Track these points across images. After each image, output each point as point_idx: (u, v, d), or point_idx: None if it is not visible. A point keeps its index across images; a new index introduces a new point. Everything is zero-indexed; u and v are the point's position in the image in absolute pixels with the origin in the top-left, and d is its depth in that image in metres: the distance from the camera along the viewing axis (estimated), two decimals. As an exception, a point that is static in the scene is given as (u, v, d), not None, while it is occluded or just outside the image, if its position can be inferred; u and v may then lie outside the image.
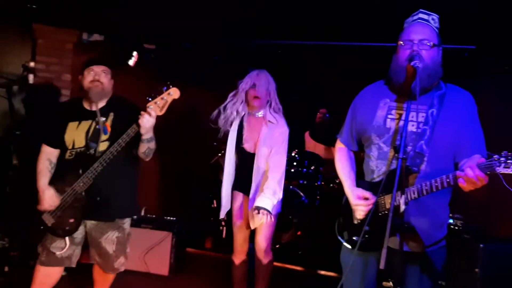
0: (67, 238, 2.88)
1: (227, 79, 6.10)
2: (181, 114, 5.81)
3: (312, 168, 5.21)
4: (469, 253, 3.22)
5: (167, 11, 4.33)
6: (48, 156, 2.97)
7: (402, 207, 1.93)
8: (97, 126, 2.88)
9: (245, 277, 3.57)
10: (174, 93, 2.74)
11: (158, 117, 2.75)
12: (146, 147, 2.87)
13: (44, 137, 3.01)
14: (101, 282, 3.15)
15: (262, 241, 3.41)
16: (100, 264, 3.04)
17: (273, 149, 3.34)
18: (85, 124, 2.92)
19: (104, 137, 2.88)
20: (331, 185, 5.43)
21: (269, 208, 3.12)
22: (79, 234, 2.94)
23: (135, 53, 5.37)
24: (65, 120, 2.95)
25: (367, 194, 2.16)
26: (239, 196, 3.50)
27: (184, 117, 5.71)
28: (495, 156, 1.78)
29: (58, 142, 2.95)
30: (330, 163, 5.78)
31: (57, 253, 2.90)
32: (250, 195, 3.36)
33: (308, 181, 5.20)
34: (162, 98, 2.72)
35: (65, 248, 2.89)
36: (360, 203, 2.17)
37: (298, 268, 4.73)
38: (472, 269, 3.20)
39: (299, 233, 5.11)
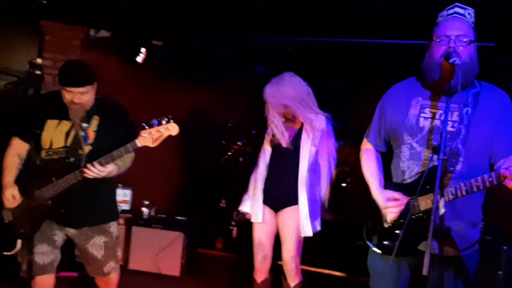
0: (19, 240, 2.69)
1: (235, 77, 6.07)
2: (190, 112, 5.76)
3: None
4: (492, 255, 3.13)
5: (174, 7, 4.25)
6: (17, 151, 2.76)
7: (442, 210, 1.85)
8: (78, 133, 2.67)
9: None
10: (172, 129, 2.53)
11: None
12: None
13: (16, 130, 2.78)
14: (105, 287, 3.00)
15: (290, 261, 3.09)
16: (89, 269, 2.88)
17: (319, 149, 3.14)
18: (66, 125, 2.70)
19: (89, 141, 2.70)
20: (344, 184, 5.36)
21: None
22: (59, 238, 2.78)
23: (143, 50, 5.29)
24: (43, 115, 2.72)
25: (397, 194, 2.08)
26: (265, 208, 3.20)
27: (192, 115, 5.64)
28: None
29: (30, 136, 2.72)
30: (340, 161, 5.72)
31: (38, 260, 2.70)
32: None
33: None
34: (158, 131, 2.52)
35: (16, 251, 2.70)
36: (390, 204, 2.08)
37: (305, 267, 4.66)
38: (495, 271, 3.13)
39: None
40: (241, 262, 4.74)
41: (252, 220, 3.19)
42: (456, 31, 2.01)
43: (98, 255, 2.80)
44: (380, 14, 4.01)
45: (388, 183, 2.21)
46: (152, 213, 4.61)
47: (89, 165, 2.54)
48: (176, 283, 4.23)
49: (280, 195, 3.12)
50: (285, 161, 3.13)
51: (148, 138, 2.52)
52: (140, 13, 4.44)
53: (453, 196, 1.91)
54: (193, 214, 4.85)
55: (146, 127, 2.52)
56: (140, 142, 2.53)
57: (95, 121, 2.74)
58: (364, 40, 5.07)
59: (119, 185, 3.15)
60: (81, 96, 2.60)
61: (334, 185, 5.27)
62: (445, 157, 1.81)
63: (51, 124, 2.71)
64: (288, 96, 3.06)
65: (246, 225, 5.32)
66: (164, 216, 4.62)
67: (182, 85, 5.71)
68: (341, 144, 5.60)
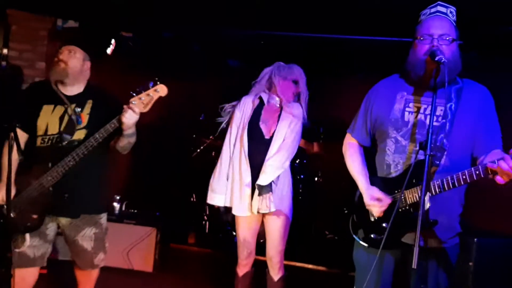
0: (27, 235, 2.66)
1: (207, 70, 6.02)
2: (160, 106, 5.66)
3: (296, 161, 5.17)
4: (463, 247, 3.24)
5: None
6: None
7: (428, 204, 1.90)
8: (71, 116, 2.68)
9: None
10: (161, 90, 2.55)
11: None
12: (126, 142, 2.71)
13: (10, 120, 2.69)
14: (84, 281, 2.97)
15: (275, 255, 3.10)
16: (78, 262, 2.87)
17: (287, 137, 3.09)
18: (60, 109, 2.71)
19: (79, 126, 2.69)
20: (316, 178, 5.42)
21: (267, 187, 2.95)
22: (51, 231, 2.75)
23: (113, 41, 5.16)
24: (39, 102, 2.72)
25: (381, 195, 2.12)
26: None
27: (163, 109, 5.54)
28: None
29: (30, 125, 2.69)
30: (313, 157, 5.78)
31: (29, 252, 2.68)
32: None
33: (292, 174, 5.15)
34: (148, 95, 2.52)
35: (27, 245, 2.66)
36: (374, 203, 2.12)
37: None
38: (466, 263, 3.24)
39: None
40: (214, 257, 4.74)
41: (238, 214, 3.08)
42: (439, 30, 2.07)
43: (88, 246, 2.80)
44: (355, 10, 4.05)
45: (374, 177, 2.25)
46: (123, 208, 4.52)
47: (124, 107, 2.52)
48: (149, 279, 4.16)
49: None
50: (263, 151, 3.07)
51: (139, 103, 2.52)
52: (109, 3, 4.33)
53: (439, 190, 1.96)
54: (165, 209, 4.79)
55: (134, 94, 2.52)
56: (132, 107, 2.52)
57: (88, 105, 2.74)
58: (337, 36, 5.13)
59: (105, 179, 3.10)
60: (67, 55, 2.68)
61: (307, 179, 5.36)
62: (433, 153, 1.86)
63: (47, 109, 2.70)
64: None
65: (218, 219, 5.35)
66: (135, 211, 4.53)
67: (152, 78, 5.62)
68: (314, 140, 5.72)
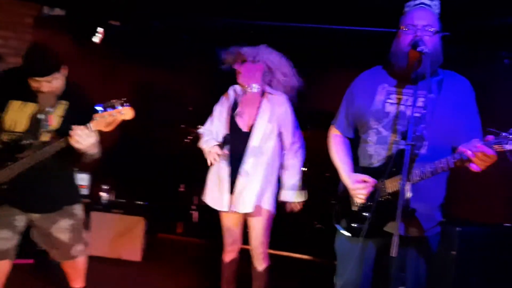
0: None
1: (196, 60, 5.98)
2: (149, 95, 5.65)
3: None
4: (445, 236, 3.28)
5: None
6: None
7: (409, 194, 1.93)
8: (41, 116, 2.55)
9: (234, 276, 3.26)
10: (126, 113, 2.40)
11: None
12: (86, 158, 2.59)
13: None
14: (72, 273, 2.90)
15: (258, 246, 3.12)
16: (55, 254, 2.79)
17: (283, 129, 3.09)
18: (30, 107, 2.55)
19: (46, 129, 2.56)
20: (304, 168, 5.43)
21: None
22: (19, 222, 2.66)
23: (100, 30, 5.12)
24: (6, 95, 2.56)
25: (365, 177, 2.15)
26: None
27: (152, 98, 5.54)
28: (503, 134, 1.79)
29: None
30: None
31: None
32: (238, 186, 3.01)
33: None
34: (111, 115, 2.38)
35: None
36: (358, 186, 2.15)
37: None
38: (448, 251, 3.29)
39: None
40: (202, 246, 4.77)
41: (218, 208, 3.12)
42: (423, 21, 2.09)
43: (64, 238, 2.71)
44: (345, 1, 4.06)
45: (356, 167, 2.27)
46: (112, 198, 4.52)
47: (75, 127, 2.36)
48: (137, 268, 4.18)
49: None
50: (242, 144, 3.04)
51: (101, 121, 2.39)
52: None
53: (418, 178, 1.99)
54: (153, 199, 4.80)
55: (100, 110, 2.39)
56: (93, 125, 2.40)
57: (62, 106, 2.61)
58: (326, 26, 5.12)
59: (75, 169, 3.08)
60: (49, 84, 2.49)
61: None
62: (413, 143, 1.88)
63: (15, 105, 2.57)
64: (264, 55, 3.10)
65: (206, 209, 5.35)
66: (123, 200, 4.54)
67: (141, 67, 5.59)
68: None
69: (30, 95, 2.55)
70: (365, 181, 2.14)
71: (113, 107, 2.39)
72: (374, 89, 2.23)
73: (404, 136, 1.92)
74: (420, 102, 2.10)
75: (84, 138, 2.37)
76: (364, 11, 4.25)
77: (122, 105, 2.40)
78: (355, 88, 2.34)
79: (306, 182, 5.48)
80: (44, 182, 2.61)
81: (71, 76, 2.66)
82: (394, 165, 2.03)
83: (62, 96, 2.60)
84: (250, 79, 3.06)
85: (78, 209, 2.79)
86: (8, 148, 2.56)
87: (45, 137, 2.56)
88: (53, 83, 2.50)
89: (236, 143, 3.04)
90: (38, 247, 2.87)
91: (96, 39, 5.10)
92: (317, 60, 5.85)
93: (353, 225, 2.19)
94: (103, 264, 4.11)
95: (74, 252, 2.78)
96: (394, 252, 1.77)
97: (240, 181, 3.00)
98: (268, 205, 3.08)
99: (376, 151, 2.19)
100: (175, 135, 5.62)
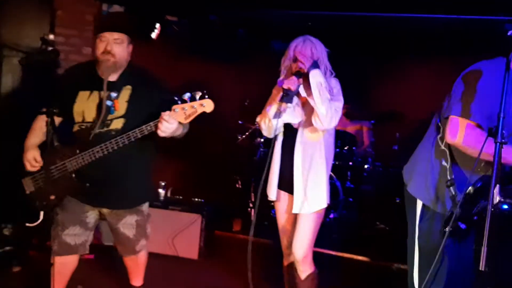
0: (41, 212, 2.59)
1: (252, 54, 5.87)
2: (205, 90, 5.58)
3: (345, 148, 4.97)
4: None
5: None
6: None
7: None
8: (107, 103, 2.53)
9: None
10: (207, 105, 2.33)
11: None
12: (174, 138, 2.57)
13: (50, 105, 2.55)
14: (133, 266, 2.95)
15: (299, 249, 2.79)
16: (120, 249, 2.84)
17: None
18: (96, 95, 2.56)
19: (116, 114, 2.53)
20: (366, 166, 5.19)
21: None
22: (91, 219, 2.71)
23: (157, 25, 5.10)
24: (76, 88, 2.59)
25: None
26: (282, 194, 2.95)
27: (208, 94, 5.47)
28: None
29: (64, 111, 2.59)
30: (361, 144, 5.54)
31: (69, 240, 2.64)
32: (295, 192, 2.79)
33: (341, 161, 4.96)
34: (192, 107, 2.31)
35: (38, 222, 2.61)
36: None
37: (331, 252, 4.54)
38: None
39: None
40: (260, 244, 4.62)
41: (269, 197, 2.98)
42: None
43: (129, 234, 2.75)
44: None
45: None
46: (168, 195, 4.48)
47: (163, 115, 2.32)
48: (194, 266, 4.12)
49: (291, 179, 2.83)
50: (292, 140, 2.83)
51: (181, 113, 2.32)
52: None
53: None
54: (210, 196, 4.73)
55: (179, 101, 2.32)
56: (172, 117, 2.33)
57: (127, 91, 2.57)
58: (386, 15, 4.86)
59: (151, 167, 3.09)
60: (114, 45, 2.48)
61: (356, 167, 5.14)
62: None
63: (83, 96, 2.58)
64: (318, 50, 2.75)
65: (264, 206, 5.22)
66: (180, 197, 4.49)
67: (197, 62, 5.55)
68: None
69: (97, 84, 2.55)
70: None
71: (194, 99, 2.32)
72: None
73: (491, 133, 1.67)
74: None
75: (168, 127, 2.34)
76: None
77: (203, 96, 2.34)
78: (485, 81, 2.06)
79: (368, 180, 5.29)
80: (118, 176, 2.61)
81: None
82: None
83: (126, 80, 2.58)
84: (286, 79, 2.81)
85: (145, 206, 2.84)
86: (81, 139, 2.56)
87: (116, 124, 2.54)
88: (118, 46, 2.49)
89: (289, 139, 2.87)
90: (100, 243, 2.89)
91: (153, 34, 5.08)
92: (379, 51, 5.58)
93: None
94: (160, 261, 4.07)
95: (139, 247, 2.82)
96: (482, 266, 1.54)
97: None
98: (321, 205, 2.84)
99: None
100: (232, 131, 5.53)
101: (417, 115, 5.22)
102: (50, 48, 4.21)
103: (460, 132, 2.06)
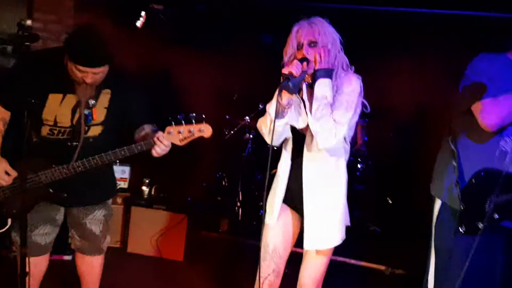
0: (9, 219, 2.39)
1: (240, 46, 5.64)
2: (191, 83, 5.36)
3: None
4: None
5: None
6: (1, 114, 2.30)
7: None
8: (84, 111, 2.31)
9: None
10: (206, 131, 2.24)
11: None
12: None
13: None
14: (91, 273, 2.72)
15: (308, 283, 2.33)
16: (84, 247, 2.64)
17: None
18: (72, 100, 2.29)
19: (94, 121, 2.34)
20: (359, 165, 5.04)
21: None
22: (61, 215, 2.55)
23: (143, 13, 4.86)
24: (44, 88, 2.27)
25: None
26: (284, 209, 2.37)
27: (194, 87, 5.25)
28: None
29: (14, 104, 2.27)
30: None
31: (39, 240, 2.49)
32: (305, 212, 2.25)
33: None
34: (189, 131, 2.22)
35: (4, 229, 2.40)
36: None
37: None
38: None
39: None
40: (248, 246, 4.43)
41: (266, 219, 2.37)
42: None
43: (96, 230, 2.59)
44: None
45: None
46: (152, 193, 4.25)
47: (158, 136, 2.22)
48: (179, 268, 3.90)
49: (298, 196, 2.30)
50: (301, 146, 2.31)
51: (175, 136, 2.23)
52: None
53: None
54: (196, 194, 4.52)
55: (173, 122, 2.22)
56: (166, 138, 2.24)
57: (106, 96, 2.36)
58: (382, 8, 4.73)
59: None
60: (95, 76, 2.20)
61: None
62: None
63: (54, 99, 2.29)
64: (329, 36, 2.22)
65: (251, 205, 5.04)
66: (165, 195, 4.26)
67: (183, 53, 5.30)
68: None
69: (69, 86, 2.27)
70: None
71: (189, 121, 2.21)
72: None
73: None
74: None
75: (163, 150, 2.26)
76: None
77: (200, 120, 2.21)
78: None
79: (361, 179, 5.14)
80: (88, 179, 2.43)
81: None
82: None
83: (105, 83, 2.31)
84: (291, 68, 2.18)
85: (110, 201, 2.71)
86: (49, 146, 2.34)
87: (93, 131, 2.37)
88: (99, 75, 2.22)
89: (297, 145, 2.36)
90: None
91: (138, 23, 4.84)
92: (375, 45, 5.42)
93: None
94: (143, 262, 3.88)
95: (104, 245, 2.68)
96: None
97: None
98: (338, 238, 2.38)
99: None
100: (219, 126, 5.31)
101: (411, 110, 5.12)
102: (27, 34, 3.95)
103: (488, 114, 2.00)
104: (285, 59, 2.27)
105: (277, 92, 2.10)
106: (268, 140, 2.23)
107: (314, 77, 2.17)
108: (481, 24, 4.59)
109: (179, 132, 2.22)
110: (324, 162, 2.24)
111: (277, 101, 2.09)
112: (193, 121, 2.22)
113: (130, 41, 4.64)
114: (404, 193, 5.00)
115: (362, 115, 5.11)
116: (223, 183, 5.29)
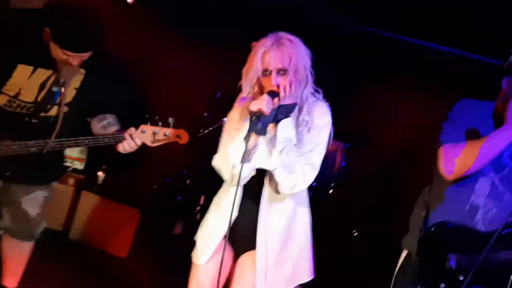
0: None
1: (236, 42, 5.40)
2: (174, 74, 5.11)
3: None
4: None
5: None
6: None
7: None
8: (53, 88, 2.15)
9: None
10: (183, 138, 2.20)
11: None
12: None
13: None
14: (14, 258, 2.48)
15: None
16: (13, 230, 2.40)
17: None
18: (42, 74, 2.12)
19: (60, 100, 2.16)
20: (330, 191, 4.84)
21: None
22: None
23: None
24: (13, 56, 2.08)
25: None
26: (226, 248, 1.92)
27: (176, 77, 5.02)
28: None
29: None
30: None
31: None
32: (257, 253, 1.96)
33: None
34: (164, 134, 2.17)
35: None
36: None
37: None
38: None
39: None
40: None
41: (195, 259, 2.12)
42: None
43: (32, 212, 2.36)
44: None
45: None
46: (109, 180, 4.01)
47: (131, 132, 2.10)
48: (119, 265, 3.67)
49: (246, 232, 2.00)
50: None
51: (148, 136, 2.14)
52: None
53: None
54: (155, 190, 4.27)
55: (148, 121, 2.15)
56: (139, 138, 2.14)
57: (79, 76, 2.18)
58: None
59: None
60: (83, 58, 2.06)
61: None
62: None
63: (23, 70, 2.08)
64: (302, 60, 1.92)
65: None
66: (121, 186, 4.02)
67: (168, 40, 5.07)
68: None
69: (41, 59, 2.07)
70: None
71: (168, 125, 2.17)
72: None
73: None
74: None
75: (130, 147, 2.15)
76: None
77: (175, 125, 2.17)
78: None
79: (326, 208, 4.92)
80: (35, 155, 2.16)
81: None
82: None
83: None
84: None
85: (55, 183, 2.51)
86: (9, 118, 2.15)
87: (54, 112, 2.18)
88: (87, 56, 2.06)
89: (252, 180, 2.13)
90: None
91: (129, -1, 4.58)
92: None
93: None
94: (82, 252, 3.64)
95: (37, 231, 2.45)
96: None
97: None
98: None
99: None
100: (194, 123, 5.06)
101: (394, 144, 4.95)
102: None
103: (444, 160, 1.89)
104: (244, 83, 1.99)
105: (243, 135, 1.84)
106: (231, 185, 1.98)
107: (276, 115, 1.89)
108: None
109: (154, 133, 2.15)
110: (289, 200, 2.01)
111: (246, 144, 1.82)
112: (171, 124, 2.16)
113: (119, 18, 4.43)
114: (371, 228, 4.84)
115: (344, 139, 4.93)
116: (187, 182, 5.02)
